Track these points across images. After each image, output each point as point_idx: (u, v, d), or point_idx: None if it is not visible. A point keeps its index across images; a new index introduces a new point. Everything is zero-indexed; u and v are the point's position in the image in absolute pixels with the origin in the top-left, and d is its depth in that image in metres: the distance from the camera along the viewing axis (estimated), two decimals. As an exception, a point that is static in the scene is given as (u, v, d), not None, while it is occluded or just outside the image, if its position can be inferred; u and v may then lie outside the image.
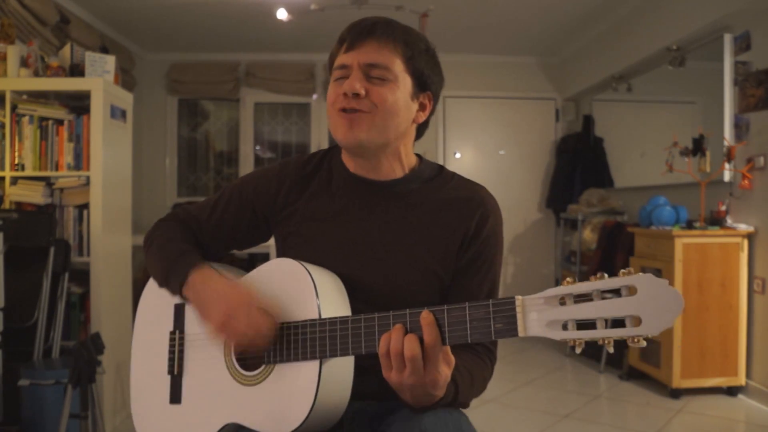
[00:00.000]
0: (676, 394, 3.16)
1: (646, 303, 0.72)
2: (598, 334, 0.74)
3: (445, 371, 0.86)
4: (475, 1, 4.23)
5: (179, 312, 1.09)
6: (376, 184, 1.07)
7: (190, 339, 1.06)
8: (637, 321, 0.72)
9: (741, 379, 3.16)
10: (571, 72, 5.41)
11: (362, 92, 0.98)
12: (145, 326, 1.14)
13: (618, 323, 0.73)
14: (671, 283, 2.75)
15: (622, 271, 0.73)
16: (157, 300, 1.12)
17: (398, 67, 1.01)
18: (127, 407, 2.83)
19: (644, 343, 0.72)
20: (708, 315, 3.15)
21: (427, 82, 1.06)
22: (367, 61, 1.00)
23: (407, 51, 1.02)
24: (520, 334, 0.77)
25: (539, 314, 0.77)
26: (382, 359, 0.86)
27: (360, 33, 1.01)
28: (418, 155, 1.14)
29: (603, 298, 0.74)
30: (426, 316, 0.83)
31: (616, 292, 0.73)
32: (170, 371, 1.06)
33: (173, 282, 1.03)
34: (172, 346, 1.07)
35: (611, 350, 0.75)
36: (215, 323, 0.95)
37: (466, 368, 0.98)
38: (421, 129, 1.12)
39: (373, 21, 1.02)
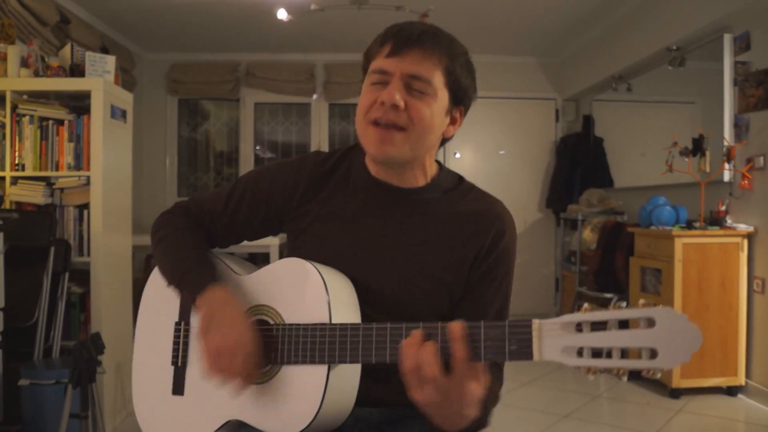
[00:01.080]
0: (676, 393, 3.16)
1: (664, 336, 0.71)
2: (614, 363, 0.73)
3: (473, 388, 0.81)
4: (475, 1, 4.23)
5: (185, 303, 1.07)
6: (396, 190, 1.06)
7: (196, 331, 1.05)
8: (654, 354, 0.71)
9: (741, 379, 3.16)
10: (571, 72, 5.41)
11: (401, 104, 0.95)
12: (150, 316, 1.12)
13: (633, 353, 0.73)
14: (671, 284, 2.74)
15: (641, 301, 0.73)
16: (162, 290, 1.10)
17: (438, 80, 0.98)
18: (128, 407, 2.83)
19: (659, 375, 0.72)
20: (708, 315, 3.15)
21: (463, 97, 1.05)
22: (411, 72, 0.96)
23: (450, 65, 0.99)
24: (535, 358, 0.77)
25: (555, 339, 0.76)
26: (406, 377, 0.81)
27: (407, 40, 0.97)
28: (438, 162, 1.13)
29: (620, 328, 0.73)
30: (457, 330, 0.79)
31: (634, 323, 0.73)
32: (174, 362, 1.05)
33: (188, 289, 1.01)
34: (177, 337, 1.06)
35: (625, 380, 0.75)
36: (210, 346, 0.93)
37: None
38: (445, 140, 1.10)
39: (421, 29, 0.99)
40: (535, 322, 0.78)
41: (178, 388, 1.04)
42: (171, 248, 1.07)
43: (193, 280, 1.01)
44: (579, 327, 0.76)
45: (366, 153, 1.06)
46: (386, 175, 1.06)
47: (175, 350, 1.06)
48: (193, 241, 1.09)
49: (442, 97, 1.00)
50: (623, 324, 0.73)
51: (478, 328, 0.81)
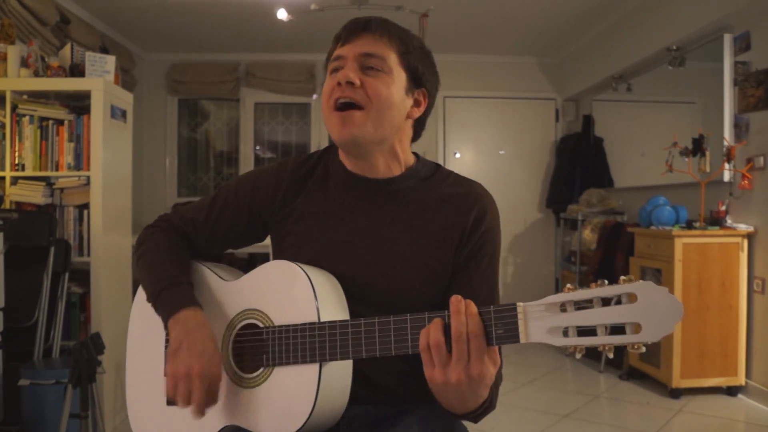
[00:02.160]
0: (676, 393, 3.16)
1: (646, 310, 0.72)
2: (599, 340, 0.75)
3: (491, 369, 0.82)
4: (475, 1, 4.23)
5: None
6: (373, 182, 1.07)
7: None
8: (637, 328, 0.73)
9: (741, 379, 3.16)
10: (571, 72, 5.42)
11: (357, 81, 0.99)
12: (141, 326, 1.12)
13: (618, 330, 0.74)
14: (671, 284, 2.76)
15: (623, 278, 0.74)
16: None
17: (393, 60, 1.02)
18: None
19: (644, 349, 0.73)
20: (708, 315, 3.15)
21: (422, 78, 1.06)
22: (363, 51, 1.01)
23: (402, 46, 1.03)
24: (522, 340, 0.78)
25: (540, 321, 0.77)
26: (424, 354, 0.83)
27: (355, 28, 1.03)
28: (415, 154, 1.13)
29: (603, 305, 0.75)
30: (470, 306, 0.81)
31: (617, 299, 0.74)
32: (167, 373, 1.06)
33: (161, 310, 1.02)
34: (168, 347, 1.07)
35: (611, 356, 0.76)
36: (173, 371, 0.94)
37: None
38: (418, 129, 1.11)
39: (367, 18, 1.04)
40: (520, 305, 0.79)
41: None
42: (149, 265, 1.08)
43: (166, 301, 1.01)
44: (563, 307, 0.77)
45: (338, 147, 1.08)
46: (361, 168, 1.07)
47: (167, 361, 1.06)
48: (171, 257, 1.09)
49: (399, 75, 1.02)
50: (606, 301, 0.75)
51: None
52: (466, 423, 1.04)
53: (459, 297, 0.82)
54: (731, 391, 3.19)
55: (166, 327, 1.01)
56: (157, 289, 1.03)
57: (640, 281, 0.73)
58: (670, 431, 2.76)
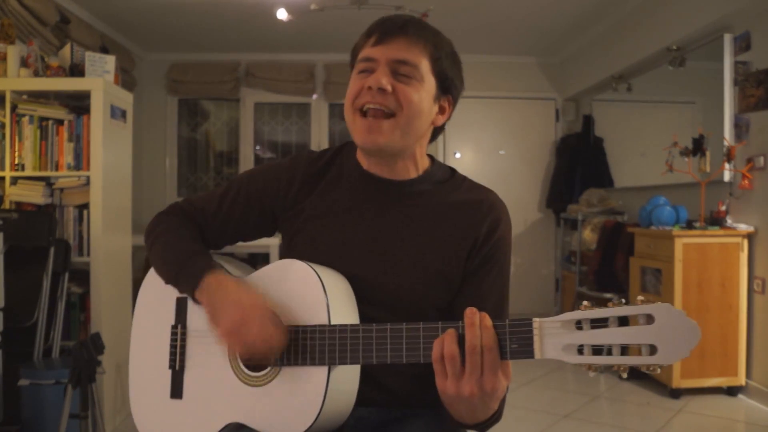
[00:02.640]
0: (676, 394, 3.16)
1: (662, 332, 0.72)
2: (614, 360, 0.74)
3: (503, 383, 0.82)
4: (475, 1, 4.23)
5: (181, 306, 1.07)
6: (388, 183, 1.06)
7: (192, 334, 1.05)
8: (653, 350, 0.72)
9: (741, 379, 3.16)
10: (571, 72, 5.41)
11: (389, 88, 0.96)
12: (145, 319, 1.12)
13: (633, 350, 0.74)
14: (671, 284, 2.75)
15: (640, 298, 0.73)
16: (157, 293, 1.09)
17: (425, 67, 0.99)
18: (127, 407, 2.83)
19: (659, 371, 0.73)
20: (708, 315, 3.15)
21: (450, 86, 1.05)
22: (396, 57, 0.97)
23: (435, 52, 1.00)
24: (536, 356, 0.77)
25: (556, 338, 0.77)
26: (436, 365, 0.81)
27: (391, 28, 0.99)
28: (430, 156, 1.13)
29: (620, 325, 0.74)
30: (484, 319, 0.80)
31: (633, 320, 0.73)
32: (171, 366, 1.05)
33: (185, 284, 1.01)
34: (173, 340, 1.06)
35: (625, 376, 0.75)
36: (225, 330, 0.92)
37: None
38: (437, 132, 1.10)
39: (405, 19, 1.00)
40: (536, 321, 0.78)
41: (177, 391, 1.04)
42: (167, 246, 1.06)
43: (188, 272, 1.00)
44: (579, 325, 0.76)
45: (357, 147, 1.06)
46: (378, 168, 1.06)
47: (173, 354, 1.05)
48: (189, 235, 1.09)
49: (429, 82, 1.00)
50: (623, 321, 0.74)
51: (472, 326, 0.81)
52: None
53: (474, 309, 0.81)
54: (731, 391, 3.19)
55: (195, 300, 1.00)
56: (176, 266, 1.02)
57: (658, 303, 0.72)
58: (670, 431, 2.76)
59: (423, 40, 0.99)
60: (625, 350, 0.74)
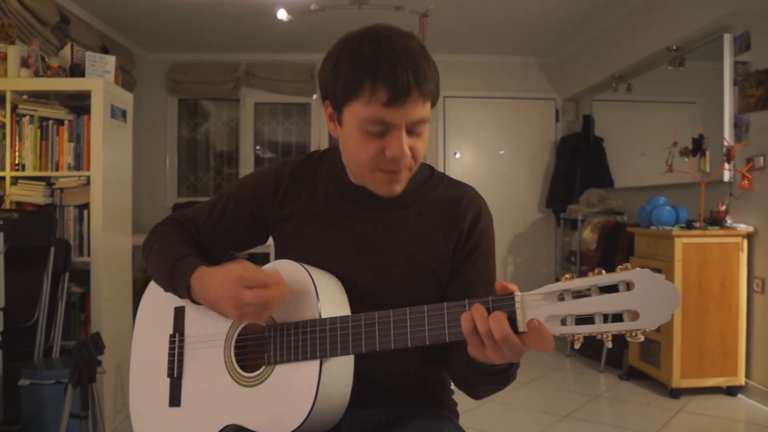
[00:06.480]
0: (676, 393, 3.16)
1: (643, 298, 0.72)
2: (596, 328, 0.75)
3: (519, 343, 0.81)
4: (475, 1, 4.23)
5: (179, 314, 1.09)
6: None
7: (190, 341, 1.06)
8: (635, 315, 0.73)
9: (740, 379, 3.16)
10: (571, 72, 5.42)
11: (410, 154, 0.96)
12: (145, 329, 1.14)
13: (616, 318, 0.74)
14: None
15: (620, 267, 0.74)
16: (157, 302, 1.12)
17: (429, 107, 0.97)
18: (128, 407, 2.83)
19: (642, 338, 0.73)
20: (708, 315, 3.15)
21: (436, 102, 1.04)
22: (413, 119, 0.94)
23: (436, 88, 0.97)
24: (520, 329, 0.78)
25: (538, 310, 0.78)
26: (469, 338, 0.81)
27: (403, 87, 0.90)
28: None
29: (601, 293, 0.75)
30: (496, 313, 0.79)
31: (614, 288, 0.74)
32: (170, 374, 1.07)
33: (181, 290, 1.03)
34: (171, 348, 1.08)
35: (609, 345, 0.76)
36: (231, 314, 0.94)
37: None
38: None
39: (411, 67, 0.91)
40: (518, 295, 0.79)
41: (175, 399, 1.05)
42: (159, 257, 1.08)
43: (179, 277, 1.02)
44: (561, 296, 0.77)
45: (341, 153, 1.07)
46: None
47: (171, 362, 1.07)
48: (178, 239, 1.11)
49: (430, 116, 1.00)
50: (604, 290, 0.75)
51: (462, 306, 0.82)
52: (464, 425, 1.05)
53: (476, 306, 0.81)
54: (731, 391, 3.19)
55: (193, 301, 1.02)
56: (169, 273, 1.04)
57: (637, 269, 0.73)
58: (670, 431, 2.76)
59: (431, 84, 0.94)
60: (607, 318, 0.75)
